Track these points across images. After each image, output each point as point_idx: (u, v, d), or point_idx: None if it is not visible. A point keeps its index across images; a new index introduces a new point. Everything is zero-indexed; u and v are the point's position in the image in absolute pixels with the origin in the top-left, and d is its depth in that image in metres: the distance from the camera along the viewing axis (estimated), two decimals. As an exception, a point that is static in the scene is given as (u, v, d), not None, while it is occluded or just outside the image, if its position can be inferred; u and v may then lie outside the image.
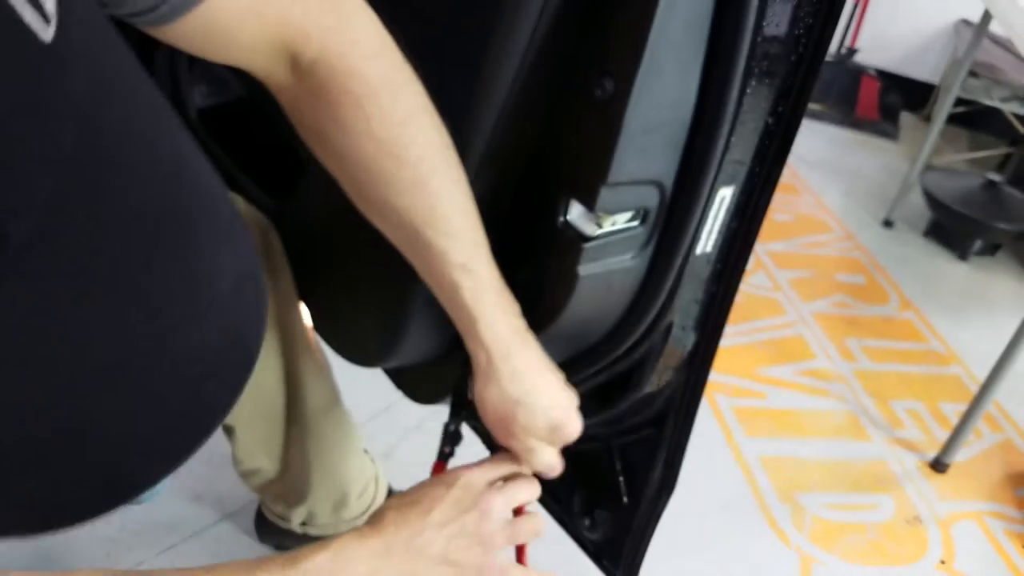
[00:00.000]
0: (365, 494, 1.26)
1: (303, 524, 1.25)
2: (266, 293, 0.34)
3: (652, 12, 0.57)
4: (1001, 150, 3.46)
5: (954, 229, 2.68)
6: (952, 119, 3.44)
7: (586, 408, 0.83)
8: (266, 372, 1.01)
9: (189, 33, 0.46)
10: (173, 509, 1.39)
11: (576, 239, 0.68)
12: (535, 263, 0.68)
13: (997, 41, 3.19)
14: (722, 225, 0.72)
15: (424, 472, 1.43)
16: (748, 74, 0.63)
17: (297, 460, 1.11)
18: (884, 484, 1.75)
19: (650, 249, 0.72)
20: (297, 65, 0.54)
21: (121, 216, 0.27)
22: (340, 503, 1.21)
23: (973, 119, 3.62)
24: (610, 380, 0.84)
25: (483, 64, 0.63)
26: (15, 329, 0.23)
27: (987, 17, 2.44)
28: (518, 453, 0.71)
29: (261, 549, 1.36)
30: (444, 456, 0.76)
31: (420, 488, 0.68)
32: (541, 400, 0.67)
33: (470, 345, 0.66)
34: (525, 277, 0.68)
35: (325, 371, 1.09)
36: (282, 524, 1.27)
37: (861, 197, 3.00)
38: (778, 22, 0.62)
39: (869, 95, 3.61)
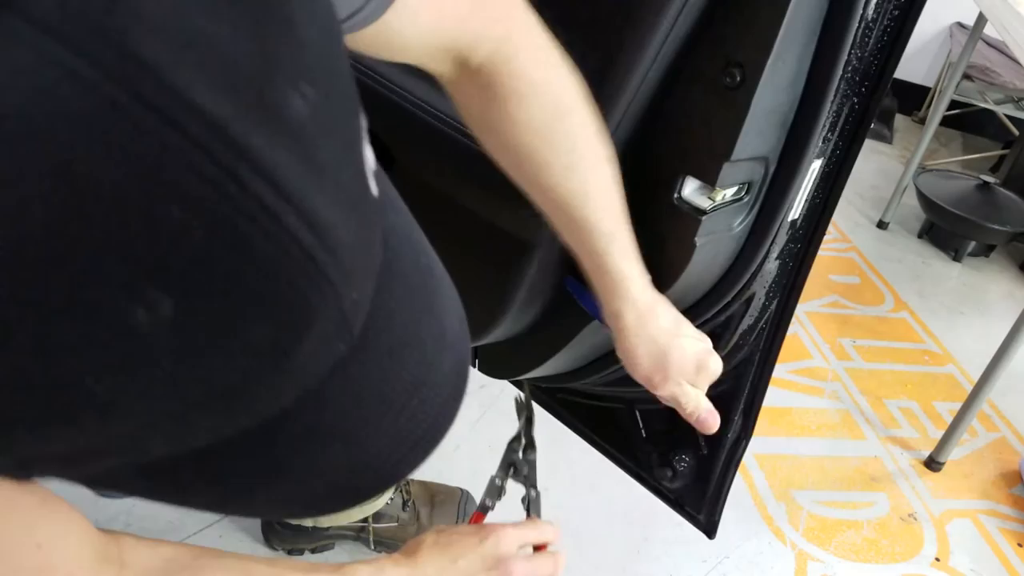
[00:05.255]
0: None
1: None
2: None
3: (784, 9, 0.64)
4: (995, 152, 3.48)
5: (948, 230, 2.70)
6: (946, 121, 3.47)
7: None
8: None
9: (364, 43, 0.48)
10: (174, 510, 1.39)
11: (693, 212, 0.75)
12: (647, 237, 0.73)
13: (991, 44, 3.22)
14: (809, 194, 0.80)
15: (426, 469, 1.41)
16: (848, 58, 0.69)
17: None
18: (879, 482, 1.76)
19: (751, 217, 0.79)
20: (465, 66, 0.58)
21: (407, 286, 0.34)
22: None
23: (967, 121, 3.65)
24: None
25: (619, 54, 0.69)
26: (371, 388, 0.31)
27: (981, 20, 2.46)
28: (673, 398, 0.76)
29: (264, 549, 1.37)
30: (484, 508, 0.80)
31: (457, 532, 0.72)
32: (687, 343, 0.74)
33: (616, 306, 0.71)
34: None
35: None
36: (293, 519, 1.28)
37: (856, 199, 3.02)
38: (875, 10, 0.69)
39: (864, 97, 3.63)
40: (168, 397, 0.22)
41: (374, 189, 0.30)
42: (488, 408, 1.73)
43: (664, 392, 0.75)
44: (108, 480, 0.29)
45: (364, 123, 0.30)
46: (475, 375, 1.89)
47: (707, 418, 0.76)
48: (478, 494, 1.46)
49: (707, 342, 0.77)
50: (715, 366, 0.76)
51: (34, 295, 0.19)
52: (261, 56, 0.21)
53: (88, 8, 0.17)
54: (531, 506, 0.80)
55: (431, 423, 0.35)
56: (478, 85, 0.59)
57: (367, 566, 0.65)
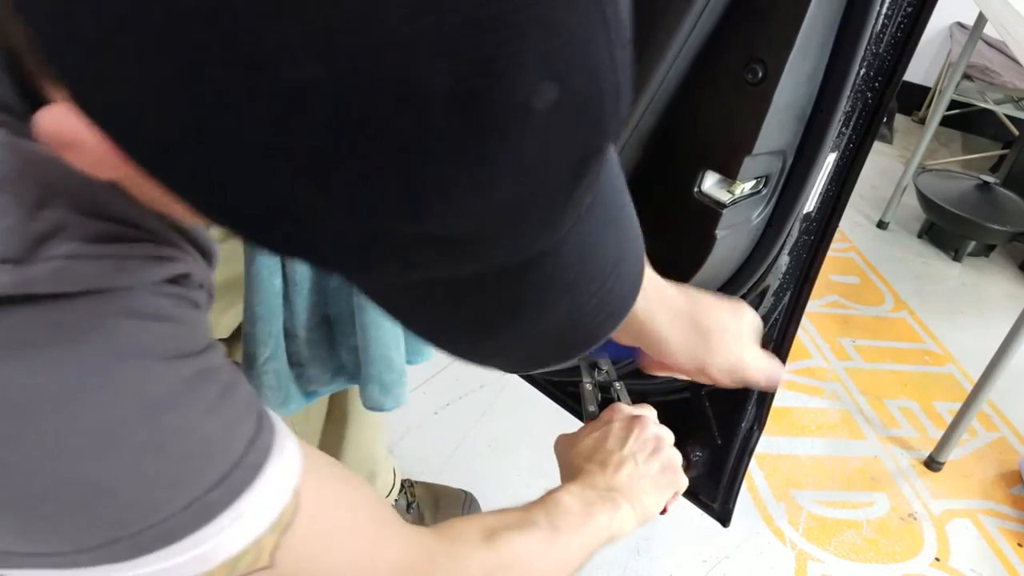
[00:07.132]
0: (386, 482, 1.30)
1: None
2: None
3: (805, 6, 0.65)
4: (995, 152, 3.48)
5: (948, 230, 2.70)
6: (946, 121, 3.47)
7: None
8: None
9: None
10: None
11: (713, 205, 0.77)
12: (669, 230, 0.75)
13: (991, 44, 3.22)
14: (823, 188, 0.82)
15: (426, 468, 1.44)
16: (864, 54, 0.71)
17: (333, 435, 1.17)
18: (879, 482, 1.77)
19: (768, 210, 0.81)
20: None
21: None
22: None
23: (967, 121, 3.65)
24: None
25: (643, 50, 0.71)
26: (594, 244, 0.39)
27: (981, 20, 2.47)
28: (735, 367, 0.69)
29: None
30: (591, 415, 0.83)
31: (583, 439, 0.74)
32: (718, 309, 0.68)
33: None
34: (658, 244, 0.73)
35: None
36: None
37: (856, 199, 3.02)
38: (889, 6, 0.71)
39: (864, 97, 3.63)
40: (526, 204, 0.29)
41: None
42: (488, 408, 1.73)
43: (724, 363, 0.68)
44: (391, 295, 0.37)
45: None
46: (476, 374, 1.88)
47: (777, 370, 0.71)
48: (480, 495, 1.47)
49: (726, 300, 0.71)
50: (756, 317, 0.70)
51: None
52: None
53: None
54: (620, 395, 0.83)
55: (621, 300, 0.42)
56: None
57: (565, 493, 0.64)
